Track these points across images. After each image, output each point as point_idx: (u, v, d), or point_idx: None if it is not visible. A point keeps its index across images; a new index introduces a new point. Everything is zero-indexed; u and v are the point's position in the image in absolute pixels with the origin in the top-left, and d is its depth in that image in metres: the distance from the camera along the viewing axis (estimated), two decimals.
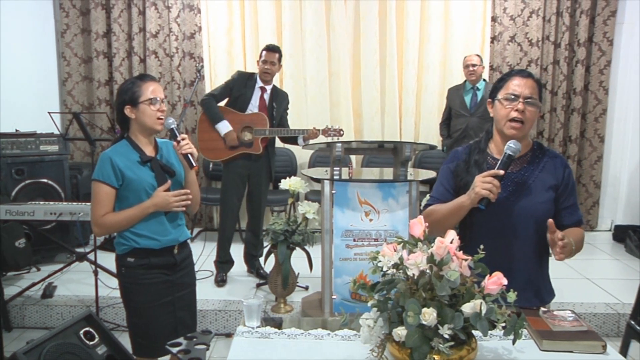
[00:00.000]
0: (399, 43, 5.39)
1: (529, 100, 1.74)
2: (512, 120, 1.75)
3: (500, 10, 5.31)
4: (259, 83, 3.95)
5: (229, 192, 3.99)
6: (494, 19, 5.34)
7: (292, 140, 4.01)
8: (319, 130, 3.84)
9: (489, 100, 1.86)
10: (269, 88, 3.97)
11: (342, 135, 3.86)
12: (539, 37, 5.28)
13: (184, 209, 2.13)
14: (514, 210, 1.77)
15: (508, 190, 1.78)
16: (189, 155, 2.09)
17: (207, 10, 5.37)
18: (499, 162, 1.71)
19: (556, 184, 1.82)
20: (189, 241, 2.29)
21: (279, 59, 3.95)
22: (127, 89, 2.08)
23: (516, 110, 1.74)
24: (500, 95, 1.79)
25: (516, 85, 1.76)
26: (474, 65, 4.68)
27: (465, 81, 4.84)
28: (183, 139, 2.08)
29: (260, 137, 3.87)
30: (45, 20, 5.33)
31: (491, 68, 5.35)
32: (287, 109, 4.13)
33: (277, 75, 5.35)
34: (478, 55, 4.78)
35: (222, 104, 3.99)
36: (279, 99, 4.02)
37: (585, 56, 5.30)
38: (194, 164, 2.10)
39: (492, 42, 5.36)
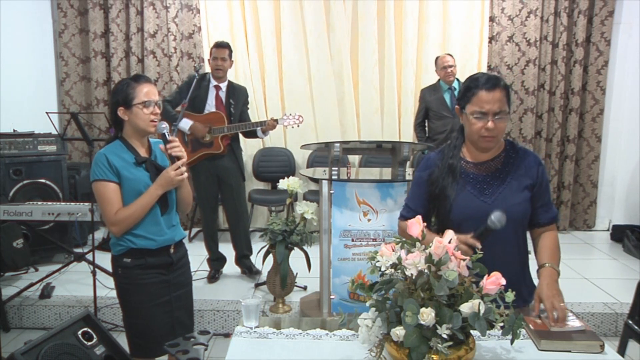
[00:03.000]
0: (398, 43, 5.39)
1: (497, 117, 1.70)
2: (485, 136, 1.72)
3: (498, 10, 5.32)
4: (213, 82, 3.92)
5: (200, 194, 3.98)
6: (491, 19, 5.34)
7: (253, 134, 3.97)
8: (276, 120, 3.83)
9: (457, 106, 1.82)
10: (223, 85, 3.93)
11: (301, 121, 3.88)
12: (536, 37, 5.28)
13: (186, 175, 2.08)
14: (490, 213, 1.74)
15: (483, 193, 1.77)
16: (176, 160, 2.06)
17: (206, 11, 5.37)
18: (477, 232, 1.63)
19: (532, 184, 1.80)
20: (184, 241, 2.29)
21: (230, 55, 3.92)
22: (121, 90, 2.06)
23: (486, 129, 1.70)
24: (468, 110, 1.74)
25: (484, 101, 1.69)
26: (450, 67, 4.64)
27: (439, 80, 4.79)
28: (172, 140, 2.06)
29: (220, 136, 3.84)
30: (43, 20, 5.32)
31: (489, 68, 5.35)
32: (247, 103, 4.09)
33: (276, 75, 5.41)
34: (451, 55, 4.74)
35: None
36: (236, 94, 3.97)
37: (583, 56, 5.31)
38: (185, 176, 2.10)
39: (490, 42, 5.37)
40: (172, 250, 2.16)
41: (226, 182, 3.96)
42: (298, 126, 3.92)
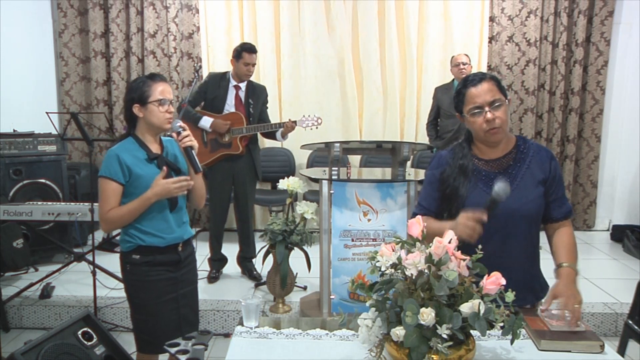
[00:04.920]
0: (399, 43, 5.39)
1: (493, 105, 1.70)
2: (489, 130, 1.72)
3: (498, 10, 5.32)
4: (233, 82, 3.89)
5: (214, 194, 3.97)
6: (492, 19, 5.34)
7: (272, 135, 3.95)
8: (294, 122, 3.79)
9: (457, 114, 1.83)
10: (243, 85, 3.90)
11: (320, 123, 3.83)
12: (536, 37, 5.29)
13: (185, 191, 2.15)
14: (504, 211, 1.73)
15: None
16: (192, 151, 2.12)
17: (205, 10, 5.37)
18: (484, 205, 1.62)
19: (545, 178, 1.79)
20: (191, 239, 2.32)
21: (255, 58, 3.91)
22: (137, 88, 2.10)
23: (487, 121, 1.70)
24: (465, 111, 1.76)
25: (475, 96, 1.71)
26: (464, 64, 4.61)
27: (453, 80, 4.78)
28: (184, 129, 2.12)
29: (238, 136, 3.82)
30: (43, 20, 5.32)
31: (489, 68, 5.36)
32: (267, 102, 4.06)
33: (275, 76, 5.41)
34: (466, 55, 4.73)
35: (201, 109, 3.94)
36: (256, 94, 3.94)
37: (583, 56, 5.31)
38: (200, 169, 2.15)
39: (490, 42, 5.37)
40: (180, 248, 2.19)
41: (240, 183, 3.95)
42: (317, 128, 3.86)
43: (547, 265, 1.89)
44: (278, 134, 3.88)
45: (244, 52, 3.81)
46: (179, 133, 2.12)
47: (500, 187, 1.59)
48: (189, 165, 2.17)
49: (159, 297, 2.14)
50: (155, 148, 2.15)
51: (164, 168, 2.10)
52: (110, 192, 2.05)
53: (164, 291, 2.14)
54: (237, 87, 3.90)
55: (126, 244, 2.13)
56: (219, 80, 3.90)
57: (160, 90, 2.09)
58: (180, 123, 2.14)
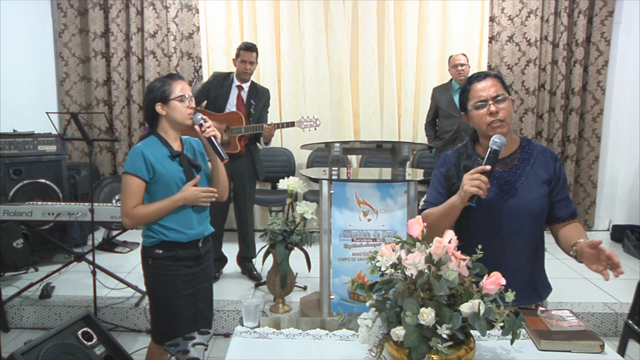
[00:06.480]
0: (397, 43, 5.40)
1: (497, 99, 1.74)
2: (492, 123, 1.75)
3: (498, 10, 5.32)
4: (236, 82, 3.91)
5: None
6: (492, 19, 5.34)
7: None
8: (274, 124, 3.78)
9: (463, 113, 1.87)
10: (246, 86, 3.93)
11: (319, 124, 3.84)
12: (537, 37, 5.28)
13: (209, 204, 2.25)
14: (509, 209, 1.77)
15: (502, 189, 1.78)
16: (214, 140, 2.17)
17: (205, 10, 5.37)
18: (485, 157, 1.69)
19: (549, 178, 1.81)
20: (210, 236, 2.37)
21: (256, 57, 3.91)
22: (158, 87, 2.17)
23: (490, 114, 1.74)
24: (470, 106, 1.80)
25: (479, 90, 1.76)
26: (462, 65, 4.58)
27: (451, 80, 4.74)
28: (206, 121, 2.18)
29: (237, 136, 3.83)
30: (43, 20, 5.32)
31: (489, 68, 5.35)
32: (268, 105, 4.07)
33: (275, 76, 5.41)
34: (464, 55, 4.70)
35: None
36: (258, 95, 3.96)
37: (583, 56, 5.31)
38: (225, 157, 2.21)
39: (490, 42, 5.37)
40: (200, 244, 2.25)
41: (239, 183, 3.96)
42: (315, 129, 3.87)
43: (551, 267, 1.90)
44: (261, 140, 3.87)
45: (241, 49, 3.86)
46: (201, 125, 2.18)
47: (497, 137, 1.68)
48: (212, 155, 2.23)
49: (178, 292, 2.20)
50: (177, 146, 2.22)
51: (197, 176, 2.19)
52: (134, 188, 2.11)
53: (183, 286, 2.21)
54: (239, 88, 3.92)
55: (149, 239, 2.19)
56: (222, 80, 3.93)
57: (180, 88, 2.17)
58: (202, 115, 2.20)
